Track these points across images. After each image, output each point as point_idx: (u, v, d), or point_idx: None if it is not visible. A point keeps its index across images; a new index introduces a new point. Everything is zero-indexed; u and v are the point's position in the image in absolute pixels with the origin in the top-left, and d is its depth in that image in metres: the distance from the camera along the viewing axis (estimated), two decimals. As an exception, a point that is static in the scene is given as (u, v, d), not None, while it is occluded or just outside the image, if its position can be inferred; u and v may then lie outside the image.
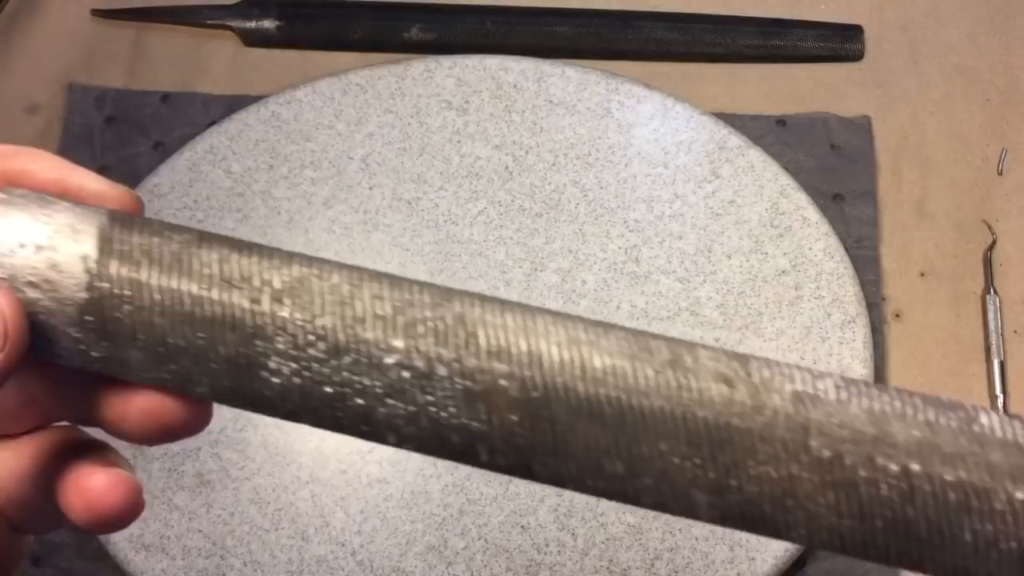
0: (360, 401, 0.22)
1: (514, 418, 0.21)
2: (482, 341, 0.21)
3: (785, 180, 0.55)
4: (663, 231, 0.55)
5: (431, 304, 0.22)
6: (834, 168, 0.58)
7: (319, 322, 0.22)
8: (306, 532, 0.49)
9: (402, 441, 0.22)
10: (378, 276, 0.23)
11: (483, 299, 0.22)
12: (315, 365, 0.22)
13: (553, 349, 0.21)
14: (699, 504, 0.21)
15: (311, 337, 0.22)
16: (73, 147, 0.59)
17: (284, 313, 0.22)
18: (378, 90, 0.58)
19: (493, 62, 0.59)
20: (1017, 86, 0.60)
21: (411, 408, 0.22)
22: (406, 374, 0.21)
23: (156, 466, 0.50)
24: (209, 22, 0.62)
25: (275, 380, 0.22)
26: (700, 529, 0.49)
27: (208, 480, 0.50)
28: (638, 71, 0.60)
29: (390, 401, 0.22)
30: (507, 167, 0.56)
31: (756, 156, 0.56)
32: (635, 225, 0.55)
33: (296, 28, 0.62)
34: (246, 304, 0.22)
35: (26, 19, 0.63)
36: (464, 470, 0.50)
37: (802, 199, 0.55)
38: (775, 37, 0.61)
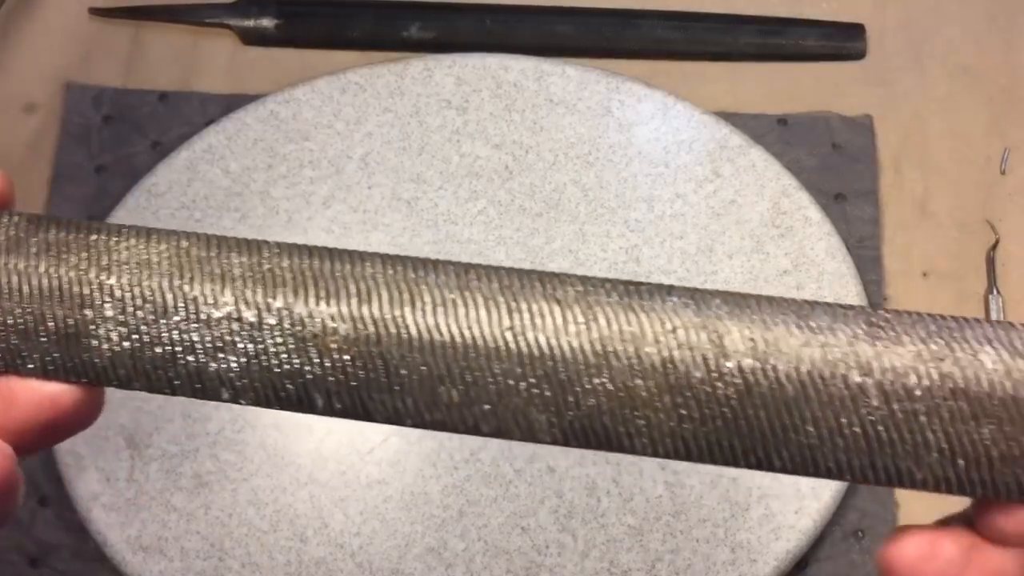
0: (191, 359, 0.22)
1: (347, 358, 0.21)
2: (311, 287, 0.22)
3: (787, 180, 0.55)
4: (664, 231, 0.54)
5: (267, 258, 0.22)
6: (836, 167, 0.57)
7: (146, 284, 0.22)
8: (305, 534, 0.49)
9: (237, 395, 0.22)
10: (229, 240, 0.23)
11: (320, 250, 0.23)
12: (143, 327, 0.22)
13: (382, 289, 0.22)
14: (539, 425, 0.22)
15: (138, 300, 0.22)
16: (70, 146, 0.59)
17: (111, 280, 0.22)
18: (377, 89, 0.58)
19: (493, 61, 0.59)
20: (1020, 85, 0.59)
21: (243, 360, 0.22)
22: (235, 326, 0.22)
23: (154, 467, 0.50)
24: (207, 21, 0.62)
25: (105, 347, 0.22)
26: (701, 531, 0.48)
27: (206, 481, 0.50)
28: (639, 70, 0.60)
29: (221, 356, 0.22)
30: (507, 166, 0.56)
31: (757, 155, 0.55)
32: (636, 225, 0.55)
33: (295, 27, 0.62)
34: (72, 274, 0.22)
35: (24, 17, 0.63)
36: (464, 471, 0.50)
37: (804, 199, 0.54)
38: (776, 36, 0.61)
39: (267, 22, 0.62)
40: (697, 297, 0.22)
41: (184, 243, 0.23)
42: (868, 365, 0.21)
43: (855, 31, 0.61)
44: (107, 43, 0.62)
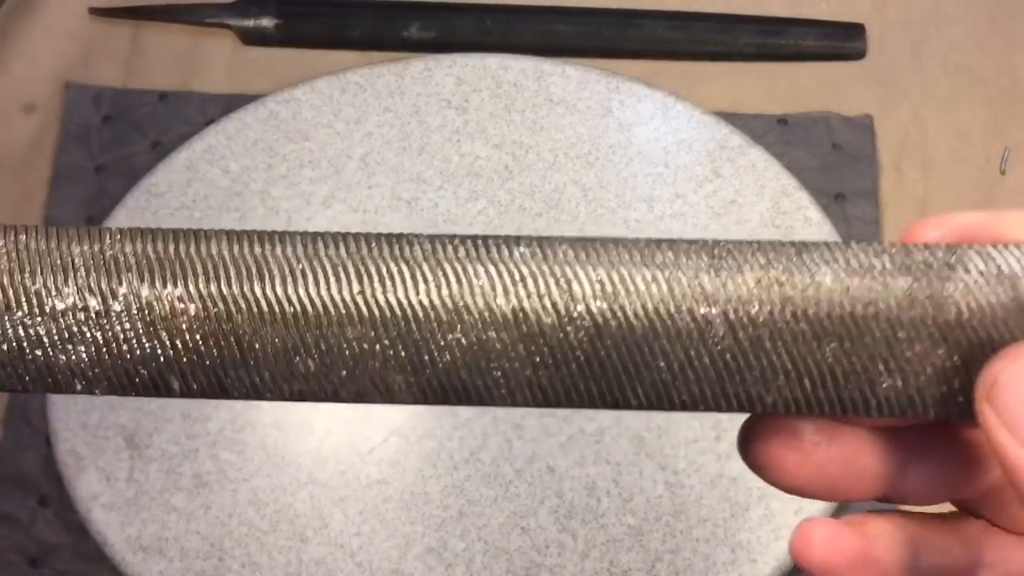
0: (39, 353, 0.22)
1: (198, 338, 0.21)
2: (156, 270, 0.22)
3: (787, 179, 0.55)
4: (664, 231, 0.54)
5: (109, 245, 0.22)
6: (836, 167, 0.57)
7: None
8: (305, 534, 0.49)
9: (91, 386, 0.22)
10: (69, 230, 0.22)
11: (163, 232, 0.22)
12: None
13: (229, 266, 0.22)
14: (398, 386, 0.22)
15: None
16: (70, 146, 0.59)
17: None
18: (377, 89, 0.58)
19: (493, 61, 0.59)
20: (1020, 85, 0.59)
21: (92, 350, 0.22)
22: (81, 316, 0.22)
23: (154, 467, 0.50)
24: (207, 21, 0.62)
25: None
26: (701, 531, 0.48)
27: (206, 481, 0.50)
28: (639, 70, 0.60)
29: (70, 347, 0.22)
30: (507, 166, 0.56)
31: (757, 155, 0.55)
32: (636, 225, 0.55)
33: (295, 27, 0.62)
34: None
35: (23, 17, 0.63)
36: (464, 471, 0.50)
37: (804, 198, 0.54)
38: (776, 36, 0.61)
39: (267, 22, 0.62)
40: (544, 245, 0.22)
41: (22, 236, 0.22)
42: (712, 296, 0.21)
43: (855, 31, 0.61)
44: (107, 43, 0.62)
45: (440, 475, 0.50)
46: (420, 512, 0.49)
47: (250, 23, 0.62)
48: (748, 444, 0.24)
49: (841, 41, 0.61)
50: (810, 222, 0.54)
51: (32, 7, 0.63)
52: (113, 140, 0.59)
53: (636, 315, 0.21)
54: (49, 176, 0.58)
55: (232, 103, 0.59)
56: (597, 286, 0.21)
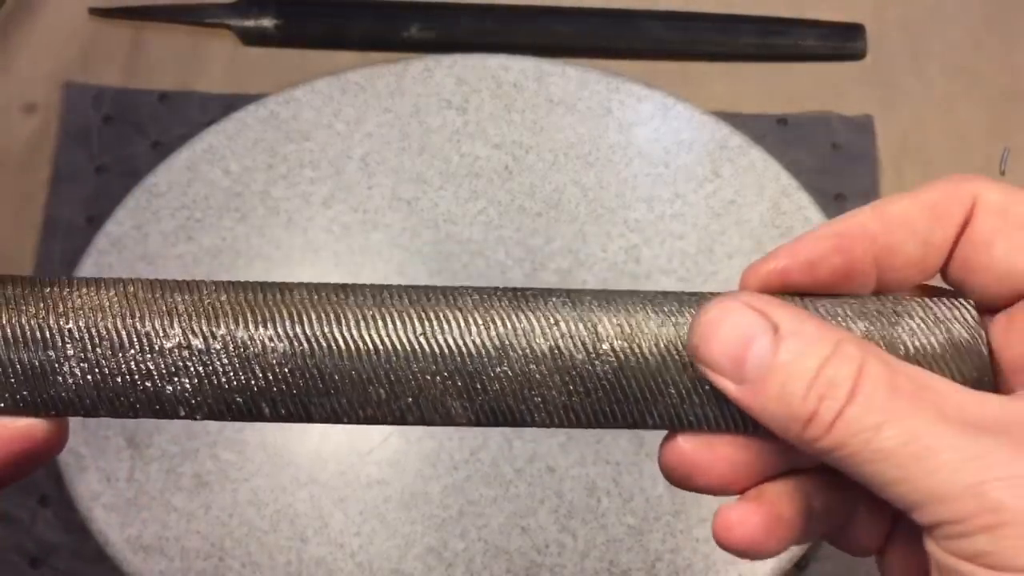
0: (148, 384, 0.25)
1: (287, 371, 0.25)
2: (248, 315, 0.26)
3: (786, 180, 0.55)
4: (664, 231, 0.54)
5: (206, 295, 0.26)
6: (836, 168, 0.57)
7: (101, 324, 0.25)
8: (305, 533, 0.49)
9: (193, 412, 0.26)
10: (170, 283, 0.26)
11: (252, 285, 0.26)
12: (103, 361, 0.25)
13: (310, 311, 0.26)
14: (456, 411, 0.26)
15: (96, 339, 0.25)
16: (70, 147, 0.59)
17: (69, 324, 0.25)
18: (377, 89, 0.58)
19: (493, 61, 0.59)
20: (1019, 85, 0.60)
21: (195, 381, 0.25)
22: (185, 353, 0.25)
23: (154, 467, 0.50)
24: (207, 21, 0.62)
25: (70, 382, 0.25)
26: (701, 530, 0.48)
27: (206, 481, 0.50)
28: (638, 70, 0.60)
29: (176, 379, 0.25)
30: (507, 166, 0.56)
31: (757, 155, 0.56)
32: (635, 225, 0.55)
33: (295, 27, 0.62)
34: (32, 322, 0.25)
35: (23, 18, 0.63)
36: (464, 471, 0.50)
37: (803, 199, 0.54)
38: (776, 36, 0.61)
39: (267, 22, 0.62)
40: (574, 297, 0.26)
41: (131, 288, 0.26)
42: None
43: (855, 31, 0.61)
44: (107, 43, 0.62)
45: (440, 475, 0.50)
46: (420, 512, 0.49)
47: (250, 23, 0.62)
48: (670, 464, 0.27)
49: (841, 41, 0.61)
50: (810, 222, 0.54)
51: (32, 7, 0.63)
52: (113, 140, 0.59)
53: (650, 352, 0.25)
54: (49, 176, 0.59)
55: (232, 103, 0.59)
56: (618, 328, 0.26)
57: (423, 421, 0.26)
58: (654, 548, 0.48)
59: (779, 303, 0.24)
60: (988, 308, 0.26)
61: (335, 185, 0.56)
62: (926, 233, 0.25)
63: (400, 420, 0.26)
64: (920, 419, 0.21)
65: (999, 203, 0.25)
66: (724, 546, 0.25)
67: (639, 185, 0.55)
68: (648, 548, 0.48)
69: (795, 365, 0.22)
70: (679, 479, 0.26)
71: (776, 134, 0.58)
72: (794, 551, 0.48)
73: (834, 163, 0.57)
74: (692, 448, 0.26)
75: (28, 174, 0.59)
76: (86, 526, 0.49)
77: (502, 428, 0.51)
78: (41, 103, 0.61)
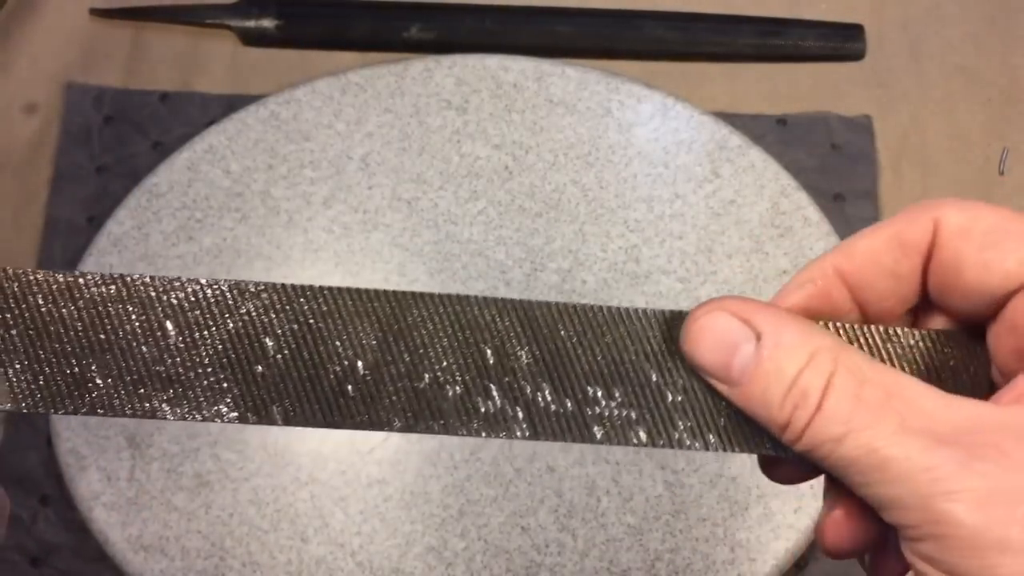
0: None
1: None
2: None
3: (786, 180, 0.55)
4: (663, 231, 0.54)
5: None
6: (835, 168, 0.57)
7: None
8: (305, 533, 0.49)
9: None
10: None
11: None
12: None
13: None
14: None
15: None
16: (71, 147, 0.59)
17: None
18: (377, 89, 0.58)
19: (493, 61, 0.59)
20: (1018, 85, 0.60)
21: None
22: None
23: (155, 467, 0.50)
24: (208, 21, 0.62)
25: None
26: (701, 530, 0.48)
27: (207, 481, 0.50)
28: (638, 70, 0.60)
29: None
30: (507, 167, 0.56)
31: (757, 156, 0.56)
32: (635, 225, 0.55)
33: (295, 27, 0.62)
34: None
35: (24, 18, 0.63)
36: (464, 471, 0.50)
37: (803, 199, 0.54)
38: (775, 36, 0.61)
39: (267, 22, 0.62)
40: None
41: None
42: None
43: (854, 32, 0.61)
44: (107, 44, 0.62)
45: (440, 474, 0.50)
46: (420, 511, 0.49)
47: (251, 24, 0.62)
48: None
49: (840, 42, 0.61)
50: (809, 222, 0.54)
51: (33, 8, 0.63)
52: (114, 140, 0.59)
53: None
54: (50, 176, 0.59)
55: (233, 103, 0.59)
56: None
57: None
58: (654, 548, 0.48)
59: (763, 308, 0.24)
60: (976, 322, 0.26)
61: (335, 185, 0.56)
62: (892, 266, 0.26)
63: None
64: (879, 430, 0.22)
65: (959, 225, 0.25)
66: (833, 552, 0.26)
67: (639, 185, 0.56)
68: (648, 548, 0.48)
69: (773, 373, 0.23)
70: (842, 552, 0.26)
71: (775, 134, 0.58)
72: (793, 549, 0.48)
73: (833, 163, 0.58)
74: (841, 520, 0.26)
75: (29, 174, 0.59)
76: (87, 526, 0.49)
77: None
78: (42, 103, 0.61)
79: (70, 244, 0.56)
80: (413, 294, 0.25)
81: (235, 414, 0.25)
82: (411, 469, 0.50)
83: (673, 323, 0.26)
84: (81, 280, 0.25)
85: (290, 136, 0.57)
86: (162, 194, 0.56)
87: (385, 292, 0.25)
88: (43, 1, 0.63)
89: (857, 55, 0.61)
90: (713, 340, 0.24)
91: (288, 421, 0.25)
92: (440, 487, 0.50)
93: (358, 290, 0.25)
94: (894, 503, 0.22)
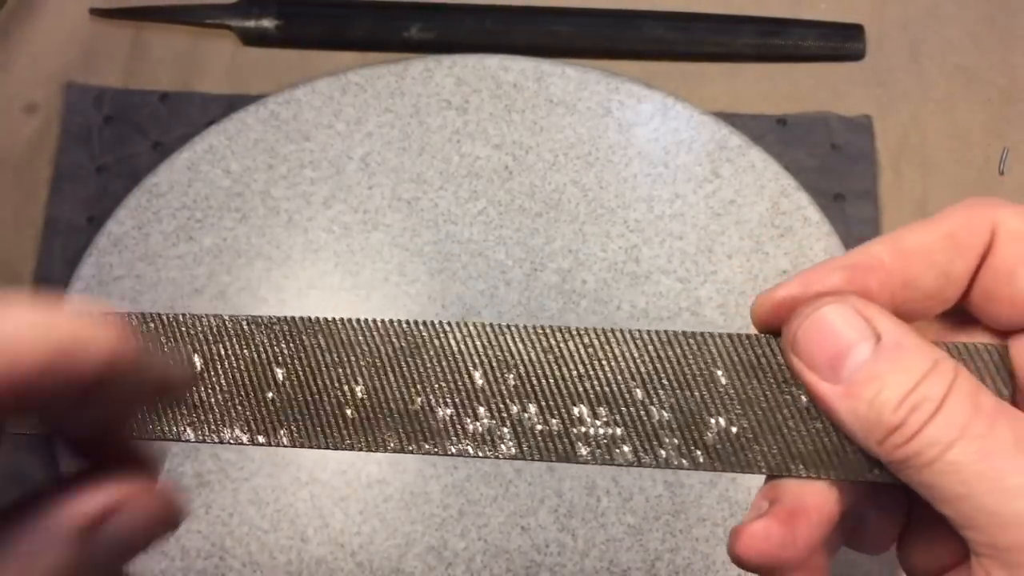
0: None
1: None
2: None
3: (786, 180, 0.55)
4: (663, 231, 0.55)
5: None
6: (835, 168, 0.57)
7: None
8: (305, 533, 0.49)
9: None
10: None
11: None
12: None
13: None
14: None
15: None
16: (71, 147, 0.59)
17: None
18: (377, 89, 0.58)
19: (493, 61, 0.59)
20: (1018, 85, 0.60)
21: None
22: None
23: (155, 467, 0.50)
24: (208, 21, 0.62)
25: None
26: (701, 530, 0.48)
27: (207, 481, 0.50)
28: (638, 70, 0.60)
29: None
30: (507, 167, 0.56)
31: (756, 156, 0.56)
32: (635, 225, 0.55)
33: (295, 27, 0.62)
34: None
35: (24, 18, 0.63)
36: (464, 471, 0.50)
37: (803, 199, 0.55)
38: (775, 36, 0.61)
39: (267, 22, 0.62)
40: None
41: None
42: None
43: (854, 32, 0.61)
44: (107, 44, 0.62)
45: (440, 474, 0.50)
46: (420, 511, 0.49)
47: (251, 24, 0.62)
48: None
49: (840, 42, 0.61)
50: (809, 222, 0.54)
51: (33, 8, 0.63)
52: (114, 140, 0.59)
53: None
54: (50, 176, 0.59)
55: (233, 103, 0.59)
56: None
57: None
58: (654, 547, 0.48)
59: (883, 313, 0.24)
60: (1005, 333, 0.25)
61: (335, 185, 0.56)
62: (945, 265, 0.25)
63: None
64: (994, 439, 0.21)
65: (1020, 230, 0.24)
66: (743, 562, 0.25)
67: (639, 185, 0.56)
68: (648, 547, 0.48)
69: (894, 377, 0.23)
70: (756, 566, 0.25)
71: (775, 134, 0.58)
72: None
73: (833, 163, 0.58)
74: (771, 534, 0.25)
75: (29, 174, 0.59)
76: (87, 525, 0.49)
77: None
78: (42, 103, 0.61)
79: (70, 244, 0.56)
80: (408, 322, 0.27)
81: (246, 436, 0.27)
82: (411, 469, 0.50)
83: (658, 343, 0.26)
84: (132, 320, 0.27)
85: (290, 136, 0.57)
86: (162, 194, 0.56)
87: (383, 322, 0.27)
88: (43, 1, 0.63)
89: (857, 55, 0.61)
90: (830, 333, 0.23)
91: (294, 443, 0.26)
92: (440, 487, 0.50)
93: (359, 320, 0.27)
94: (991, 519, 0.21)
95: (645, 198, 0.55)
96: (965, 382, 0.22)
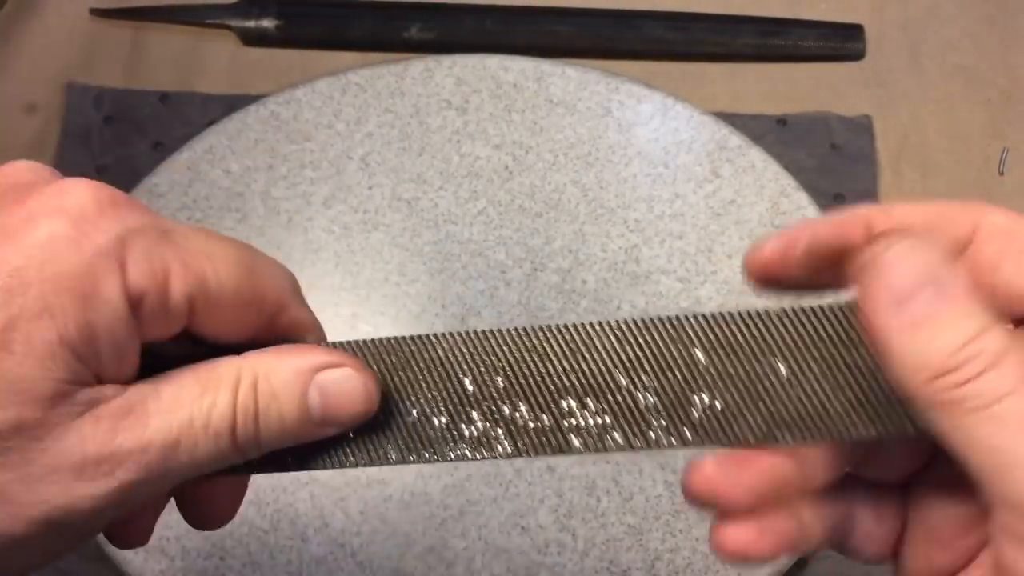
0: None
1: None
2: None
3: (786, 180, 0.55)
4: (663, 231, 0.55)
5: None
6: (835, 168, 0.57)
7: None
8: (305, 533, 0.49)
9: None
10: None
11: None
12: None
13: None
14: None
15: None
16: (71, 147, 0.59)
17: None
18: (377, 89, 0.58)
19: (493, 61, 0.59)
20: (1018, 85, 0.60)
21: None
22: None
23: (155, 467, 0.50)
24: (208, 21, 0.62)
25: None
26: (701, 530, 0.48)
27: (207, 481, 0.50)
28: (638, 70, 0.60)
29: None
30: (507, 167, 0.56)
31: (756, 156, 0.56)
32: (635, 225, 0.55)
33: (295, 27, 0.62)
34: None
35: (24, 18, 0.63)
36: (464, 471, 0.50)
37: (803, 199, 0.55)
38: (775, 36, 0.61)
39: (267, 23, 0.62)
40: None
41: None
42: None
43: (854, 32, 0.61)
44: (108, 44, 0.62)
45: (440, 474, 0.50)
46: (420, 511, 0.49)
47: (251, 24, 0.62)
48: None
49: (840, 42, 0.61)
50: (809, 222, 0.54)
51: (33, 8, 0.63)
52: (114, 140, 0.59)
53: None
54: (50, 176, 0.59)
55: (233, 103, 0.59)
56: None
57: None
58: (654, 547, 0.48)
59: (954, 262, 0.24)
60: None
61: (335, 185, 0.56)
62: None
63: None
64: None
65: (1003, 225, 0.25)
66: (723, 551, 0.26)
67: (639, 185, 0.56)
68: (648, 547, 0.48)
69: (960, 322, 0.23)
70: (700, 497, 0.26)
71: (775, 134, 0.58)
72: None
73: (833, 163, 0.58)
74: (718, 471, 0.26)
75: (29, 174, 0.59)
76: (87, 525, 0.49)
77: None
78: (42, 103, 0.61)
79: (70, 244, 0.56)
80: (396, 339, 0.28)
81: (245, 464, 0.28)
82: (411, 469, 0.50)
83: (636, 330, 0.27)
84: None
85: (290, 136, 0.57)
86: (162, 194, 0.56)
87: (373, 342, 0.28)
88: (43, 1, 0.63)
89: (857, 55, 0.61)
90: (911, 263, 0.23)
91: (300, 467, 0.27)
92: (440, 487, 0.50)
93: (350, 343, 0.28)
94: None
95: (645, 198, 0.55)
96: (1020, 347, 0.23)
